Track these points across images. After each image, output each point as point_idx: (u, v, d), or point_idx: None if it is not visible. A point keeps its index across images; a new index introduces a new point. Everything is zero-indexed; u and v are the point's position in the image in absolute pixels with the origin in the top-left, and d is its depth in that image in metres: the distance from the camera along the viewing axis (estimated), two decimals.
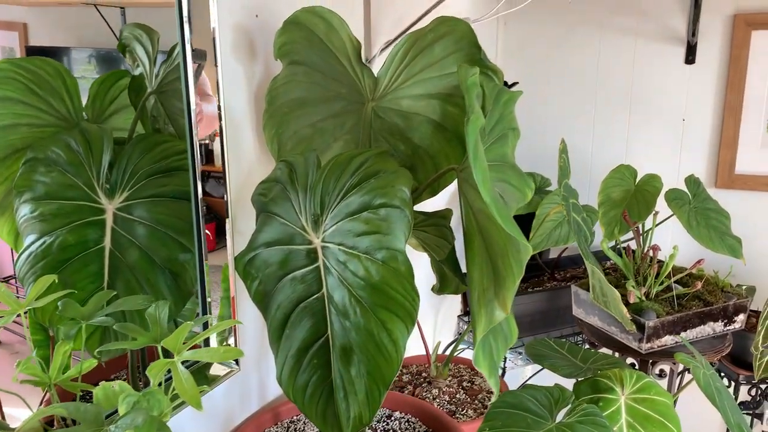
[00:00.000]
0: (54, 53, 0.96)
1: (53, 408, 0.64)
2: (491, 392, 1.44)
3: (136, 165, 1.01)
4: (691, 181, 1.61)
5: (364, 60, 1.25)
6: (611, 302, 1.17)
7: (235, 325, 0.99)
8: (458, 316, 1.81)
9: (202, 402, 1.02)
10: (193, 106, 0.88)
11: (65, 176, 0.97)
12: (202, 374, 0.99)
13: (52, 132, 0.96)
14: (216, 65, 0.86)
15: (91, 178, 0.99)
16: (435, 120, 0.90)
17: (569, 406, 1.09)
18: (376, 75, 0.91)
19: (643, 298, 1.39)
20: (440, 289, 0.93)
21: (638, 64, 1.93)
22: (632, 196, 1.67)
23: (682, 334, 1.37)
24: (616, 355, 1.42)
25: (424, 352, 1.47)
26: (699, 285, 1.35)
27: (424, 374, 1.47)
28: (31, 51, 0.90)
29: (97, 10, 0.95)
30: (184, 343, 0.72)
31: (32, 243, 0.96)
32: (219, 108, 0.88)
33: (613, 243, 1.56)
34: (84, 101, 0.95)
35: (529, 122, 2.11)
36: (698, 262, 1.37)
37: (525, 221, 1.55)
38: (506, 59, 2.12)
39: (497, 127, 0.87)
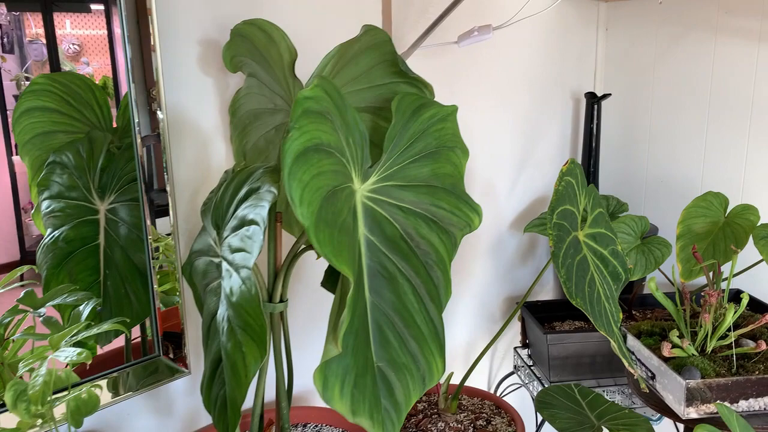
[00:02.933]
0: None
1: None
2: None
3: (122, 170, 1.08)
4: None
5: None
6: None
7: (183, 329, 1.02)
8: (515, 348, 1.67)
9: (157, 395, 1.06)
10: (135, 117, 0.93)
11: (72, 178, 1.07)
12: (153, 369, 1.04)
13: (83, 139, 1.06)
14: (156, 82, 0.90)
15: (89, 181, 1.08)
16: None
17: None
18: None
19: (695, 352, 1.16)
20: None
21: (761, 73, 1.61)
22: (719, 229, 1.41)
23: (742, 402, 1.12)
24: (654, 417, 1.20)
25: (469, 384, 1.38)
26: (763, 345, 1.09)
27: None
28: None
29: None
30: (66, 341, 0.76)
31: (47, 236, 1.07)
32: (159, 122, 0.91)
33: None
34: None
35: (628, 140, 1.88)
36: (763, 317, 1.11)
37: None
38: (607, 68, 1.91)
39: (417, 143, 0.79)
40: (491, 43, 1.53)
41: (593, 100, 1.79)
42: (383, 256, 0.78)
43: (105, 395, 1.07)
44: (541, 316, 1.63)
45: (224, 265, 0.78)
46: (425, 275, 0.83)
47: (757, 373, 1.11)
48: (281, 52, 0.89)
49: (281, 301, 0.86)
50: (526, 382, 1.62)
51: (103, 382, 1.07)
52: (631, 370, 0.98)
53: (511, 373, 1.71)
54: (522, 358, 1.63)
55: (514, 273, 1.76)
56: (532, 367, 1.59)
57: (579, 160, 1.87)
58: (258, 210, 0.70)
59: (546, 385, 1.54)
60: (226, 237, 0.78)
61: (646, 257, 1.42)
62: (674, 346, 1.14)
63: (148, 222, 1.00)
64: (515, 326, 1.78)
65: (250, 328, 0.70)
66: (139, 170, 0.98)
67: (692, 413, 1.11)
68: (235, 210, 0.77)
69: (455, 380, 1.61)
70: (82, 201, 1.06)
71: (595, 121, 1.80)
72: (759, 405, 1.13)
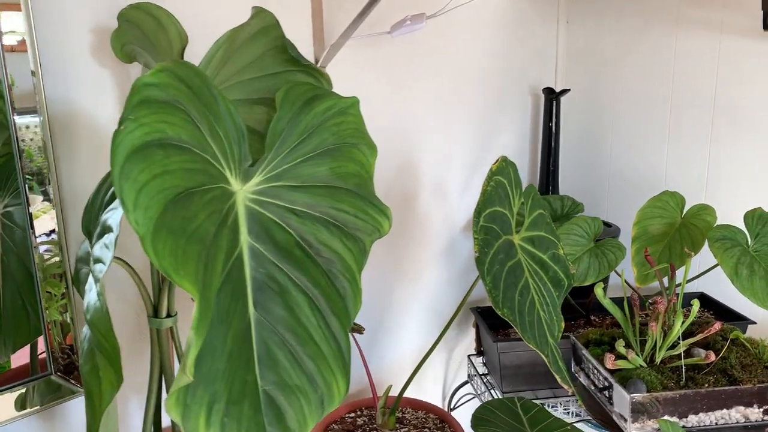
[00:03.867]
0: None
1: None
2: None
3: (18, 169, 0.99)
4: (755, 217, 1.24)
5: (316, 63, 1.13)
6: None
7: (75, 345, 0.93)
8: (468, 356, 1.59)
9: (53, 415, 0.97)
10: (11, 113, 0.84)
11: None
12: (56, 386, 0.95)
13: None
14: (35, 77, 0.81)
15: None
16: (258, 131, 0.76)
17: None
18: None
19: (643, 363, 1.08)
20: None
21: (723, 67, 1.54)
22: (676, 231, 1.33)
23: (691, 416, 1.04)
24: None
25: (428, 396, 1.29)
26: (712, 356, 1.02)
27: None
28: None
29: None
30: None
31: None
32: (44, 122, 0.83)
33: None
34: None
35: (590, 137, 1.80)
36: (711, 326, 1.04)
37: None
38: (569, 63, 1.84)
39: (311, 139, 0.71)
40: (439, 34, 1.45)
41: (552, 96, 1.71)
42: (272, 266, 0.70)
43: (9, 412, 0.99)
44: (495, 323, 1.55)
45: (90, 277, 0.69)
46: (327, 286, 0.75)
47: (706, 385, 1.03)
48: (170, 38, 0.80)
49: (169, 315, 0.77)
50: (480, 392, 1.54)
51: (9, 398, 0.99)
52: (565, 386, 0.90)
53: (466, 383, 1.63)
54: (475, 367, 1.55)
55: (468, 278, 1.67)
56: (484, 377, 1.51)
57: (538, 159, 1.79)
58: (116, 215, 0.62)
59: (499, 396, 1.46)
60: (94, 245, 0.69)
61: (599, 260, 1.35)
62: (619, 357, 1.06)
63: (33, 227, 0.92)
64: (471, 333, 1.70)
65: (105, 350, 0.61)
66: (20, 170, 0.89)
67: (638, 429, 1.03)
68: (101, 214, 0.68)
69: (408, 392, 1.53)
70: None
71: (554, 118, 1.72)
72: (710, 420, 1.05)
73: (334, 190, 0.74)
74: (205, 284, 0.55)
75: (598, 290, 1.14)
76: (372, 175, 0.78)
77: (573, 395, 0.94)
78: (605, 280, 1.61)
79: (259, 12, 0.72)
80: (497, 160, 0.94)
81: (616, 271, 1.43)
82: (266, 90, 0.75)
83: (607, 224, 1.66)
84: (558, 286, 1.06)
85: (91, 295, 0.65)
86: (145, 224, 0.51)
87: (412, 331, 1.56)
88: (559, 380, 0.89)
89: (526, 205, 1.05)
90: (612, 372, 1.08)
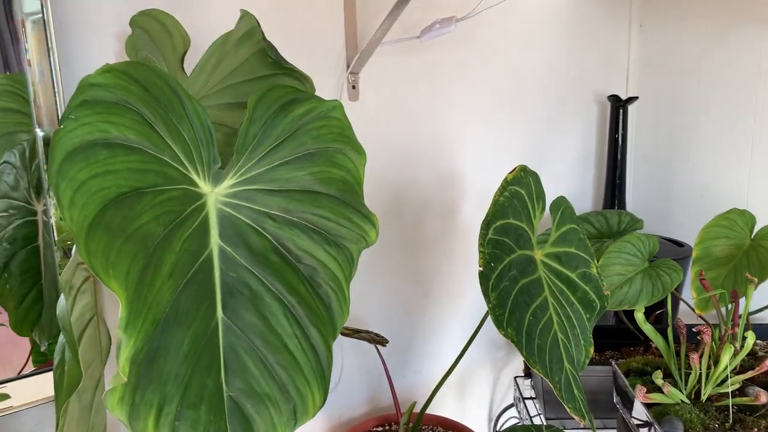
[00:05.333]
0: None
1: None
2: None
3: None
4: None
5: (348, 67, 1.14)
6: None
7: None
8: (515, 378, 1.51)
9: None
10: (34, 113, 0.89)
11: (15, 178, 1.06)
12: None
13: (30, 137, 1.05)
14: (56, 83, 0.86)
15: (29, 181, 1.06)
16: None
17: None
18: (189, 80, 0.80)
19: (684, 399, 0.97)
20: None
21: None
22: (743, 254, 1.19)
23: None
24: None
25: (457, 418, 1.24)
26: (762, 397, 0.89)
27: None
28: None
29: None
30: None
31: None
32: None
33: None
34: None
35: (664, 150, 1.66)
36: (763, 362, 0.91)
37: None
38: (642, 69, 1.71)
39: (288, 143, 0.70)
40: (490, 37, 1.40)
41: (618, 104, 1.60)
42: (245, 271, 0.68)
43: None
44: None
45: None
46: (308, 294, 0.73)
47: (756, 430, 0.91)
48: (174, 43, 0.82)
49: None
50: (524, 417, 1.45)
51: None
52: (576, 418, 0.82)
53: (511, 406, 1.55)
54: (520, 390, 1.47)
55: None
56: (527, 401, 1.43)
57: (604, 171, 1.68)
58: None
59: (543, 422, 1.37)
60: None
61: (653, 282, 1.23)
62: (654, 390, 0.96)
63: (53, 220, 0.97)
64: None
65: (70, 345, 0.63)
66: (43, 167, 0.94)
67: None
68: None
69: (449, 413, 1.48)
70: (22, 201, 1.05)
71: (620, 129, 1.60)
72: None
73: (315, 196, 0.72)
74: (140, 284, 0.54)
75: (639, 315, 1.04)
76: (360, 181, 0.75)
77: (588, 428, 0.86)
78: (674, 305, 1.47)
79: (244, 15, 0.72)
80: (514, 169, 0.88)
81: (677, 295, 1.30)
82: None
83: (679, 244, 1.52)
84: (589, 308, 0.98)
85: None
86: (79, 222, 0.51)
87: (452, 348, 1.51)
88: (569, 410, 0.81)
89: (554, 219, 0.97)
90: (649, 406, 0.98)
